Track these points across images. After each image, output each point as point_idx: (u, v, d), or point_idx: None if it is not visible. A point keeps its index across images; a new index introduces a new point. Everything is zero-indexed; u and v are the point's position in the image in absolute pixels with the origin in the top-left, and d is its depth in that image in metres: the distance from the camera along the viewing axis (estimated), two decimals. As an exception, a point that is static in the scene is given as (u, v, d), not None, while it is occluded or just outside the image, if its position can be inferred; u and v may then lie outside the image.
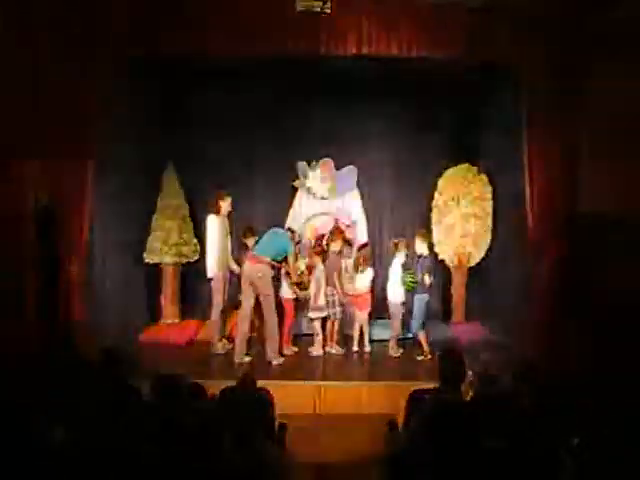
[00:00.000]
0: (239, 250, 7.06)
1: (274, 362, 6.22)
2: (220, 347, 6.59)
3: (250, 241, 6.61)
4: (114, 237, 6.73)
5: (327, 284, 6.63)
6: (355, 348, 6.75)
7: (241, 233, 6.93)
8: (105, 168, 6.14)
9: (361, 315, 6.74)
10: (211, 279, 6.58)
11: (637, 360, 4.42)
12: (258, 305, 6.35)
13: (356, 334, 6.78)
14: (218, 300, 6.57)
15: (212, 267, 6.53)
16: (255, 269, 6.18)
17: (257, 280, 6.17)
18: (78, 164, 5.49)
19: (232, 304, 6.93)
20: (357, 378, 6.05)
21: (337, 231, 6.89)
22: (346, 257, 7.06)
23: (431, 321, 7.04)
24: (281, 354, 6.36)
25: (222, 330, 6.71)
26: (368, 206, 8.03)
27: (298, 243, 6.91)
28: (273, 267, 6.29)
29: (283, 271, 6.71)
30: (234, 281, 6.91)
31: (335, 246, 6.77)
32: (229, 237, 6.85)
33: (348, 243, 7.01)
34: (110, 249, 6.65)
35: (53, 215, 5.50)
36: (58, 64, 5.38)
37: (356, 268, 6.79)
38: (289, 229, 7.08)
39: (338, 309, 6.67)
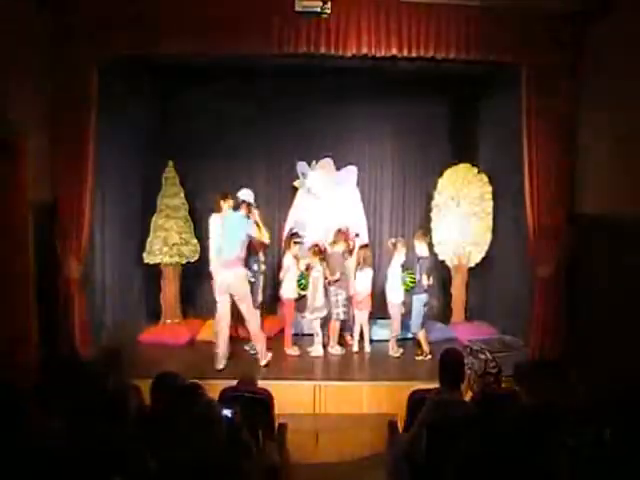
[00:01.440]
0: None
1: (263, 362, 6.15)
2: None
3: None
4: (114, 237, 6.73)
5: (330, 284, 6.63)
6: (355, 348, 6.75)
7: None
8: (105, 168, 6.15)
9: (361, 315, 6.73)
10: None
11: (637, 359, 4.41)
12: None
13: (356, 334, 6.77)
14: None
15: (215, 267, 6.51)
16: (228, 275, 6.02)
17: (232, 284, 6.02)
18: (78, 164, 5.49)
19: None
20: (357, 378, 6.05)
21: (340, 232, 6.86)
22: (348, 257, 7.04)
23: (431, 321, 7.06)
24: (269, 350, 6.25)
25: None
26: (368, 206, 8.04)
27: (295, 241, 6.84)
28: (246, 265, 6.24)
29: (282, 272, 6.71)
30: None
31: (339, 247, 6.76)
32: None
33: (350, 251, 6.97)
34: (110, 249, 6.66)
35: (53, 215, 5.50)
36: (57, 63, 5.39)
37: (356, 268, 6.78)
38: (294, 234, 6.92)
39: (342, 309, 6.66)
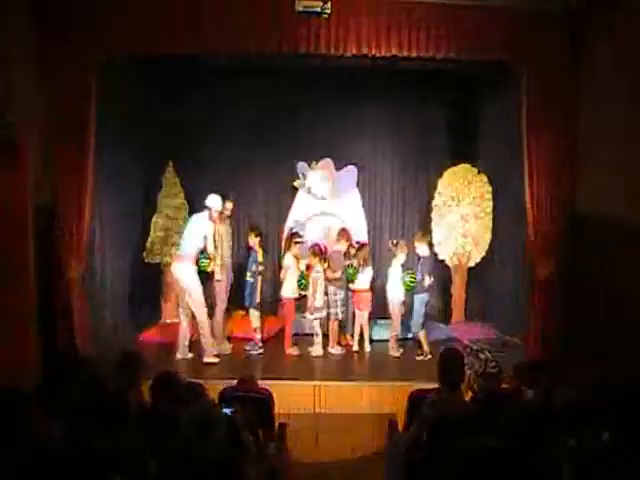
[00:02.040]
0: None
1: (205, 360, 6.10)
2: (228, 348, 6.60)
3: (253, 240, 6.60)
4: (114, 237, 6.73)
5: (329, 281, 6.63)
6: (355, 348, 6.75)
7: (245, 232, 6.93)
8: (105, 168, 6.15)
9: (361, 315, 6.73)
10: (218, 280, 6.55)
11: (636, 359, 4.41)
12: None
13: (356, 334, 6.78)
14: (222, 300, 6.61)
15: (218, 269, 6.47)
16: (178, 268, 6.12)
17: (181, 279, 6.10)
18: (78, 164, 5.49)
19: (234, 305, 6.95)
20: (357, 378, 6.05)
21: (343, 232, 6.86)
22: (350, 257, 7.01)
23: (431, 321, 7.06)
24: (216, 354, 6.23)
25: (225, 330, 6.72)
26: (368, 206, 8.04)
27: (296, 241, 6.83)
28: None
29: (282, 272, 6.70)
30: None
31: (340, 246, 6.76)
32: (229, 240, 6.89)
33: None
34: (110, 249, 6.65)
35: (53, 215, 5.50)
36: (57, 63, 5.39)
37: (358, 267, 6.76)
38: (295, 233, 6.95)
39: (340, 309, 6.66)
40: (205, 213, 6.26)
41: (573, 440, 2.71)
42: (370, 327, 6.83)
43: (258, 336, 6.60)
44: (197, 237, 6.15)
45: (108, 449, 2.57)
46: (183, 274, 6.10)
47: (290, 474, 4.45)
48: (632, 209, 4.79)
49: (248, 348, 6.56)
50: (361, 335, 6.77)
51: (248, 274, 6.55)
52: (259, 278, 6.56)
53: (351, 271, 6.68)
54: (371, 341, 6.80)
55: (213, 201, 6.29)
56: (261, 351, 6.55)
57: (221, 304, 6.62)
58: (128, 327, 6.94)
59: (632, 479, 2.44)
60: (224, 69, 7.05)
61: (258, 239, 6.59)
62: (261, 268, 6.58)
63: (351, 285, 6.73)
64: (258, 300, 6.55)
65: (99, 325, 6.32)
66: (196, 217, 6.35)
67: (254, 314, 6.58)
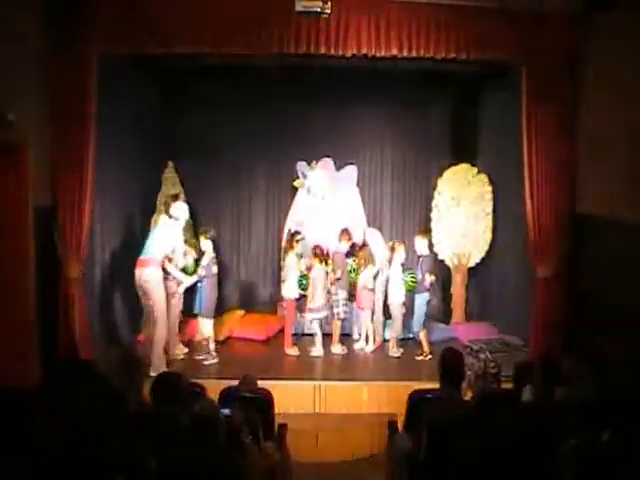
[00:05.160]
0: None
1: (152, 373, 5.14)
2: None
3: (204, 243, 6.32)
4: (114, 237, 6.73)
5: (332, 283, 6.63)
6: (361, 346, 6.76)
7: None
8: (105, 168, 6.14)
9: (363, 315, 6.74)
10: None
11: (637, 358, 4.41)
12: None
13: (363, 333, 6.81)
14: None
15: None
16: (141, 274, 5.87)
17: (144, 285, 5.86)
18: (78, 164, 5.49)
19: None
20: (357, 378, 6.05)
21: (345, 232, 6.86)
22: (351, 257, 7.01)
23: (431, 321, 7.06)
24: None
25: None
26: (368, 206, 8.04)
27: (297, 240, 6.81)
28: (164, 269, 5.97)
29: (284, 272, 6.69)
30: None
31: (342, 246, 6.76)
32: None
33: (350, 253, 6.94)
34: (110, 249, 6.65)
35: (53, 215, 5.50)
36: (57, 63, 5.39)
37: (359, 268, 6.76)
38: (296, 232, 6.92)
39: (342, 308, 6.66)
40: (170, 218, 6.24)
41: (573, 440, 2.71)
42: (375, 327, 6.82)
43: (212, 345, 6.26)
44: (159, 240, 6.09)
45: (109, 449, 2.58)
46: (144, 279, 5.91)
47: (290, 474, 4.45)
48: (632, 208, 4.79)
49: (201, 357, 6.27)
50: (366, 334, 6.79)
51: (196, 279, 6.24)
52: (210, 282, 6.21)
53: (353, 275, 6.69)
54: (384, 340, 6.83)
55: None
56: (215, 361, 6.22)
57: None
58: (128, 327, 6.93)
59: (632, 479, 2.44)
60: (224, 69, 7.04)
61: (208, 241, 6.28)
62: (214, 270, 6.24)
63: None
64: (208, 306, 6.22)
65: (99, 325, 6.32)
66: (163, 221, 6.26)
67: (204, 322, 6.25)
